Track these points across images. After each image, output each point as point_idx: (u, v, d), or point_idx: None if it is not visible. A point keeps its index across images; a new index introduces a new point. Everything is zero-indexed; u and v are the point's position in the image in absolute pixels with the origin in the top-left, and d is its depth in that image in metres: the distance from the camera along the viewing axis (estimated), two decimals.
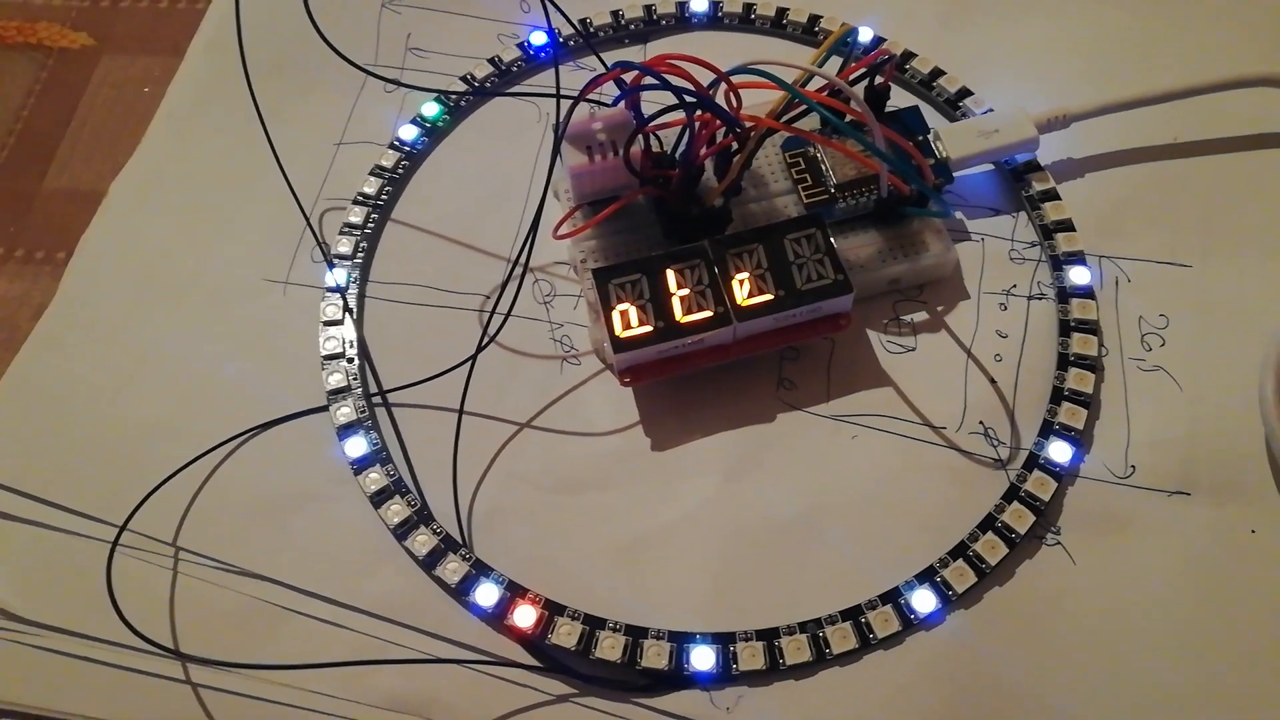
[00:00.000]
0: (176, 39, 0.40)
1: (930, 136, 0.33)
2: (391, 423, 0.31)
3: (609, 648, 0.26)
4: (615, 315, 0.28)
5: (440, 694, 0.27)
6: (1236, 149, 0.34)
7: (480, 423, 0.30)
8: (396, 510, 0.29)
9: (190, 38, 0.39)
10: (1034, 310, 0.31)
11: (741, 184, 0.31)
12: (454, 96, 0.36)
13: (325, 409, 0.30)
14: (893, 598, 0.27)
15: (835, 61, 0.31)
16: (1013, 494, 0.28)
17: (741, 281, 0.29)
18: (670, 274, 0.29)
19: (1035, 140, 0.33)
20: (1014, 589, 0.27)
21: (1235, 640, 0.26)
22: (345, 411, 0.30)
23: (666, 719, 0.26)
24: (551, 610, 0.27)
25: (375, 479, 0.29)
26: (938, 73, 0.35)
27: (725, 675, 0.26)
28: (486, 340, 0.30)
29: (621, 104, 0.29)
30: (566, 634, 0.27)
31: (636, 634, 0.27)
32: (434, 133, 0.36)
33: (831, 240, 0.29)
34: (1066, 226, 0.32)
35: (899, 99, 0.34)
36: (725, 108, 0.28)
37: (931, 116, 0.34)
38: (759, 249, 0.29)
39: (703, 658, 0.26)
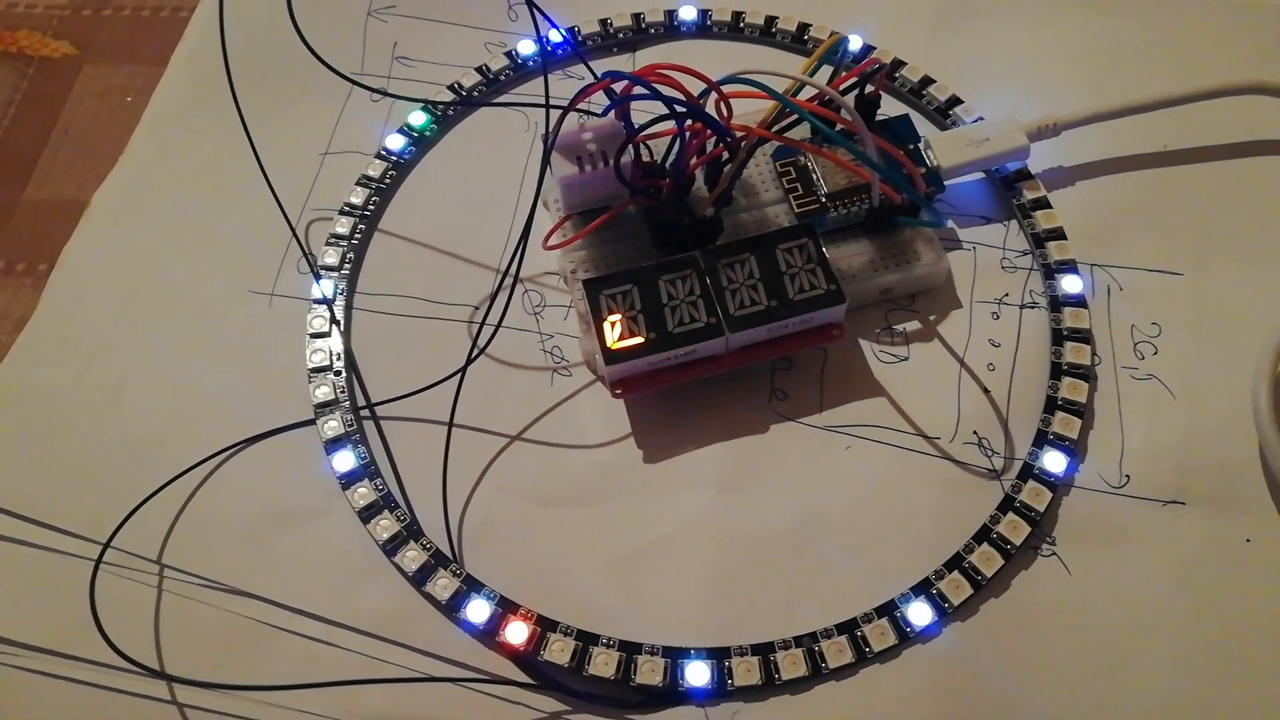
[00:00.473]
0: (159, 48, 0.39)
1: (921, 145, 0.32)
2: (380, 436, 0.30)
3: (602, 664, 0.26)
4: (606, 326, 0.28)
5: (431, 713, 0.26)
6: (1226, 157, 0.34)
7: (470, 435, 0.30)
8: (385, 525, 0.28)
9: (173, 46, 0.39)
10: (1026, 319, 0.31)
11: (732, 193, 0.31)
12: (441, 106, 0.36)
13: (312, 423, 0.30)
14: (888, 611, 0.27)
15: (825, 71, 0.30)
16: (1007, 505, 0.28)
17: (734, 292, 0.28)
18: (662, 285, 0.29)
19: (1026, 148, 0.33)
20: (1010, 600, 0.27)
21: (1231, 649, 0.26)
22: (333, 425, 0.30)
23: None
24: (544, 626, 0.27)
25: (364, 493, 0.29)
26: (927, 81, 0.35)
27: (720, 691, 0.26)
28: (476, 352, 0.30)
29: (611, 114, 0.29)
30: (559, 650, 0.26)
31: (630, 650, 0.26)
32: (421, 142, 0.36)
33: (824, 250, 0.29)
34: (1058, 235, 0.32)
35: (889, 107, 0.34)
36: (716, 117, 0.28)
37: (922, 125, 0.34)
38: (751, 259, 0.29)
39: (698, 674, 0.26)
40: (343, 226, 0.34)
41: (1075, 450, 0.29)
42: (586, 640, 0.26)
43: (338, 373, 0.31)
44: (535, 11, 0.31)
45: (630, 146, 0.28)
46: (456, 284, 0.33)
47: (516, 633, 0.26)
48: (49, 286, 0.33)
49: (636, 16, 0.37)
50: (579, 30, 0.37)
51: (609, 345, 0.28)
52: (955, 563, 0.27)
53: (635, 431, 0.30)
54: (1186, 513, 0.28)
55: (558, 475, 0.30)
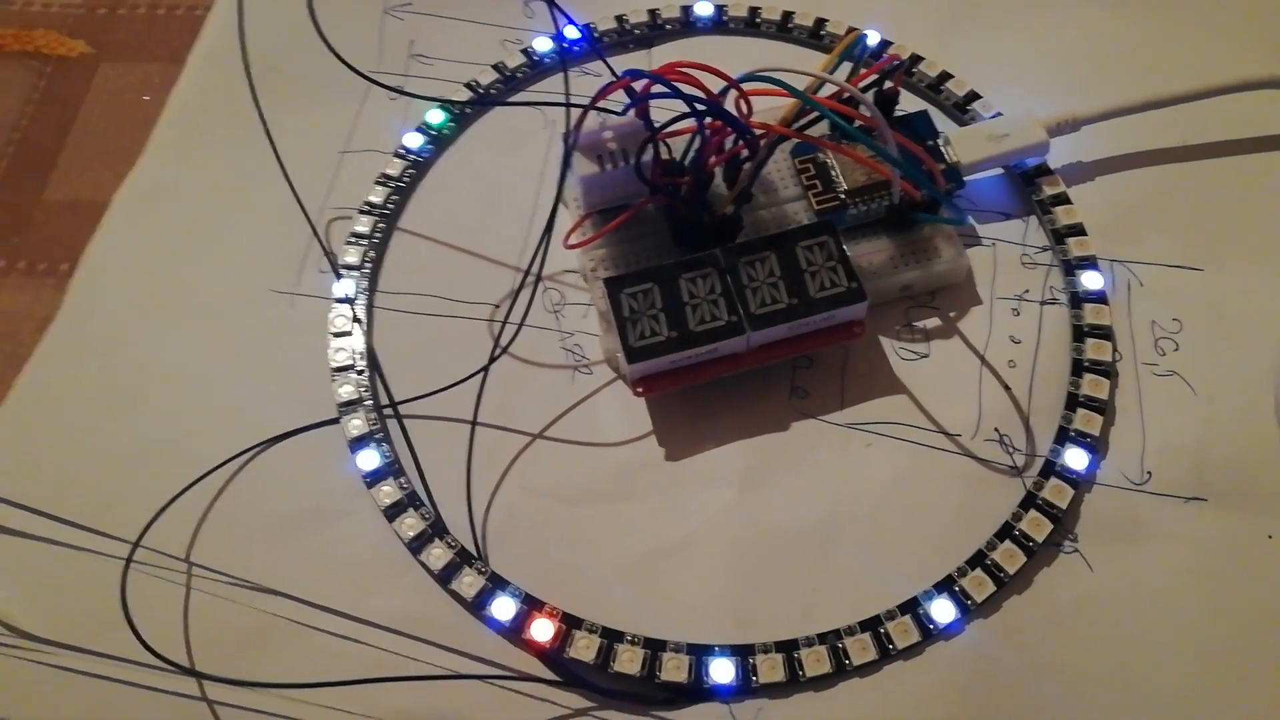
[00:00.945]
0: (175, 46, 0.39)
1: (940, 141, 0.32)
2: (404, 435, 0.30)
3: (628, 661, 0.26)
4: (627, 325, 0.28)
5: (459, 709, 0.26)
6: (1247, 151, 0.34)
7: (493, 434, 0.30)
8: (410, 524, 0.28)
9: (189, 44, 0.39)
10: (1047, 315, 0.31)
11: (752, 191, 0.31)
12: (460, 104, 0.36)
13: (336, 422, 0.30)
14: (911, 608, 0.27)
15: (844, 67, 0.30)
16: (1030, 502, 0.28)
17: (754, 290, 0.29)
18: (682, 283, 0.29)
19: (1045, 144, 0.33)
20: (1032, 597, 0.27)
21: (1254, 645, 0.26)
22: (356, 424, 0.30)
23: None
24: (569, 623, 0.27)
25: (388, 492, 0.29)
26: (945, 76, 0.35)
27: (745, 688, 0.26)
28: (499, 351, 0.30)
29: (632, 112, 0.29)
30: (585, 647, 0.27)
31: (655, 647, 0.26)
32: (439, 140, 0.36)
33: (844, 247, 0.29)
34: (1078, 231, 0.32)
35: (907, 103, 0.34)
36: (736, 115, 0.28)
37: (940, 121, 0.34)
38: (771, 257, 0.29)
39: (722, 670, 0.26)
40: (363, 225, 0.34)
41: (1097, 447, 0.29)
42: (611, 637, 0.27)
43: (360, 372, 0.31)
44: (553, 9, 0.31)
45: (650, 145, 0.28)
46: (477, 282, 0.33)
47: (542, 630, 0.27)
48: (72, 288, 0.33)
49: (653, 12, 0.37)
50: (595, 27, 0.37)
51: (631, 344, 0.28)
52: (978, 560, 0.28)
53: (656, 430, 0.30)
54: (1208, 509, 0.28)
55: (580, 473, 0.30)
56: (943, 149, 0.32)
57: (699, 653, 0.26)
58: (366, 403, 0.30)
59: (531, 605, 0.27)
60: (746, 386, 0.30)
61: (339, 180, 0.35)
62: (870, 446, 0.30)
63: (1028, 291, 0.32)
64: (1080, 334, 0.30)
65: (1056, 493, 0.28)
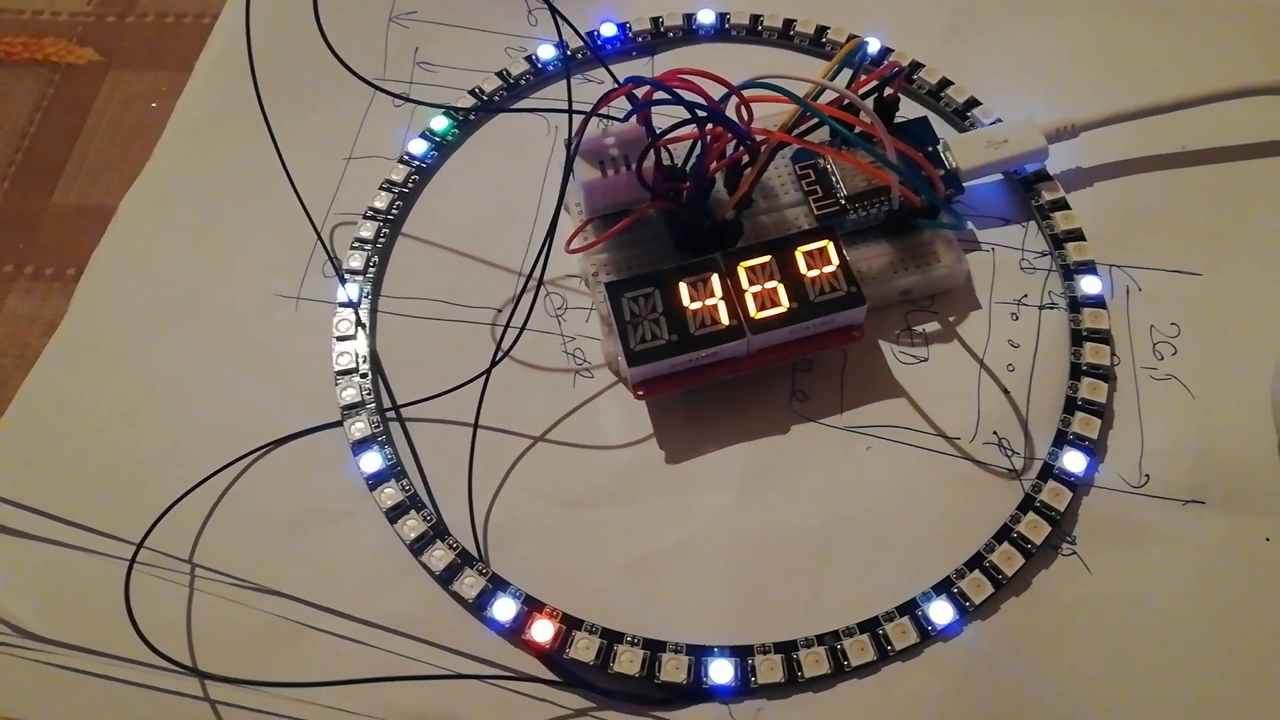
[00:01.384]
0: (183, 54, 0.40)
1: (940, 147, 0.33)
2: (406, 438, 0.31)
3: (627, 661, 0.26)
4: (628, 329, 0.28)
5: (459, 710, 0.27)
6: (1245, 157, 0.34)
7: (494, 436, 0.30)
8: (412, 525, 0.29)
9: (196, 53, 0.39)
10: (1046, 320, 0.32)
11: (753, 196, 0.31)
12: (464, 111, 0.36)
13: (339, 424, 0.30)
14: (910, 609, 0.27)
15: (844, 73, 0.31)
16: (1028, 504, 0.28)
17: (755, 294, 0.29)
18: (683, 287, 0.29)
19: (1044, 150, 0.33)
20: (1030, 599, 0.27)
21: (1251, 648, 0.27)
22: (359, 427, 0.30)
23: None
24: (569, 624, 0.27)
25: (390, 494, 0.29)
26: (945, 83, 0.36)
27: (744, 688, 0.26)
28: (501, 354, 0.30)
29: (633, 119, 0.30)
30: (584, 648, 0.27)
31: (655, 648, 0.27)
32: (443, 147, 0.36)
33: (844, 252, 0.29)
34: (1077, 236, 0.32)
35: (907, 109, 0.34)
36: (737, 121, 0.29)
37: (940, 127, 0.34)
38: (771, 261, 0.29)
39: (721, 671, 0.26)
40: (367, 230, 0.34)
41: (1095, 450, 0.29)
42: (611, 638, 0.27)
43: (364, 375, 0.31)
44: (557, 16, 0.32)
45: (652, 151, 0.29)
46: (479, 287, 0.33)
47: (542, 631, 0.27)
48: (79, 292, 0.34)
49: (655, 20, 0.38)
50: (598, 34, 0.38)
51: (632, 348, 0.28)
52: (976, 562, 0.28)
53: (657, 432, 0.30)
54: (1206, 512, 0.28)
55: (581, 476, 0.30)
56: (942, 155, 0.33)
57: (698, 653, 0.27)
58: (369, 406, 0.31)
59: (532, 606, 0.27)
60: (746, 390, 0.31)
61: (344, 186, 0.35)
62: (870, 449, 0.30)
63: (1026, 296, 0.32)
64: (1079, 338, 0.31)
65: (1055, 495, 0.28)
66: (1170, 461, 0.29)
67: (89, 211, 0.36)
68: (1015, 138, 0.33)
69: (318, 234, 0.34)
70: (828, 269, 0.29)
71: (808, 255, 0.29)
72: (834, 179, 0.32)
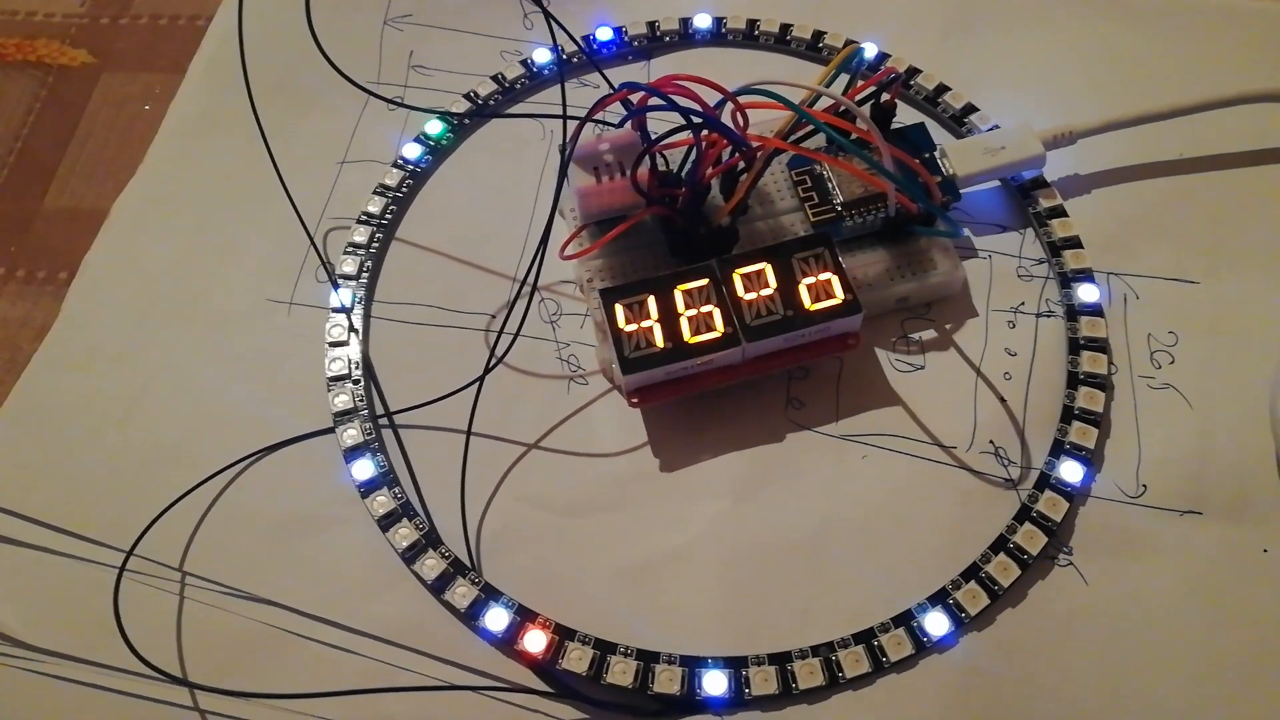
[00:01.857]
0: (177, 56, 0.40)
1: (937, 153, 0.32)
2: (399, 445, 0.30)
3: (620, 673, 0.26)
4: (623, 336, 0.28)
5: None
6: (1243, 165, 0.34)
7: (488, 444, 0.30)
8: (405, 534, 0.28)
9: (191, 55, 0.39)
10: (1042, 328, 0.31)
11: (748, 203, 0.31)
12: (457, 116, 0.36)
13: (331, 431, 0.30)
14: (905, 620, 0.27)
15: (841, 79, 0.30)
16: (1024, 514, 0.28)
17: (750, 301, 0.29)
18: (678, 294, 0.29)
19: (1042, 157, 0.33)
20: (1026, 610, 0.27)
21: (1249, 659, 0.26)
22: (352, 433, 0.30)
23: None
24: (562, 635, 0.27)
25: (383, 502, 0.29)
26: (943, 89, 0.35)
27: (738, 700, 0.26)
28: (494, 361, 0.30)
29: (628, 124, 0.29)
30: (577, 659, 0.26)
31: (648, 658, 0.26)
32: (438, 151, 0.36)
33: (840, 259, 0.29)
34: (1074, 243, 0.32)
35: (904, 115, 0.34)
36: (732, 128, 0.28)
37: (937, 133, 0.34)
38: (767, 268, 0.29)
39: (715, 682, 0.26)
40: (360, 235, 0.34)
41: (1092, 460, 0.29)
42: (604, 649, 0.27)
43: (356, 381, 0.31)
44: (551, 21, 0.32)
45: (647, 156, 0.29)
46: (473, 292, 0.33)
47: (535, 641, 0.27)
48: (69, 295, 0.34)
49: (652, 24, 0.38)
50: (593, 39, 0.37)
51: (626, 355, 0.28)
52: (972, 573, 0.28)
53: (651, 440, 0.30)
54: (1203, 523, 0.28)
55: (574, 484, 0.30)
56: (939, 161, 0.32)
57: (692, 664, 0.26)
58: (362, 412, 0.30)
59: (524, 616, 0.27)
60: (741, 398, 0.30)
61: (337, 190, 0.35)
62: (865, 458, 0.30)
63: (1023, 304, 0.32)
64: (1076, 346, 0.30)
65: (1051, 505, 0.28)
66: (1168, 471, 0.29)
67: (81, 214, 0.36)
68: (1012, 144, 0.33)
69: (310, 238, 0.33)
70: (823, 276, 0.29)
71: (803, 262, 0.29)
72: (830, 185, 0.32)
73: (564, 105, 0.30)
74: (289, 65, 0.36)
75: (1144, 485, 0.29)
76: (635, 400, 0.29)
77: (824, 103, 0.30)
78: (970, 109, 0.35)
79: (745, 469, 0.30)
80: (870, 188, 0.31)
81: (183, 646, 0.28)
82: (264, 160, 0.32)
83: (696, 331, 0.28)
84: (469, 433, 0.30)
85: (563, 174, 0.29)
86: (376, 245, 0.34)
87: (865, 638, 0.27)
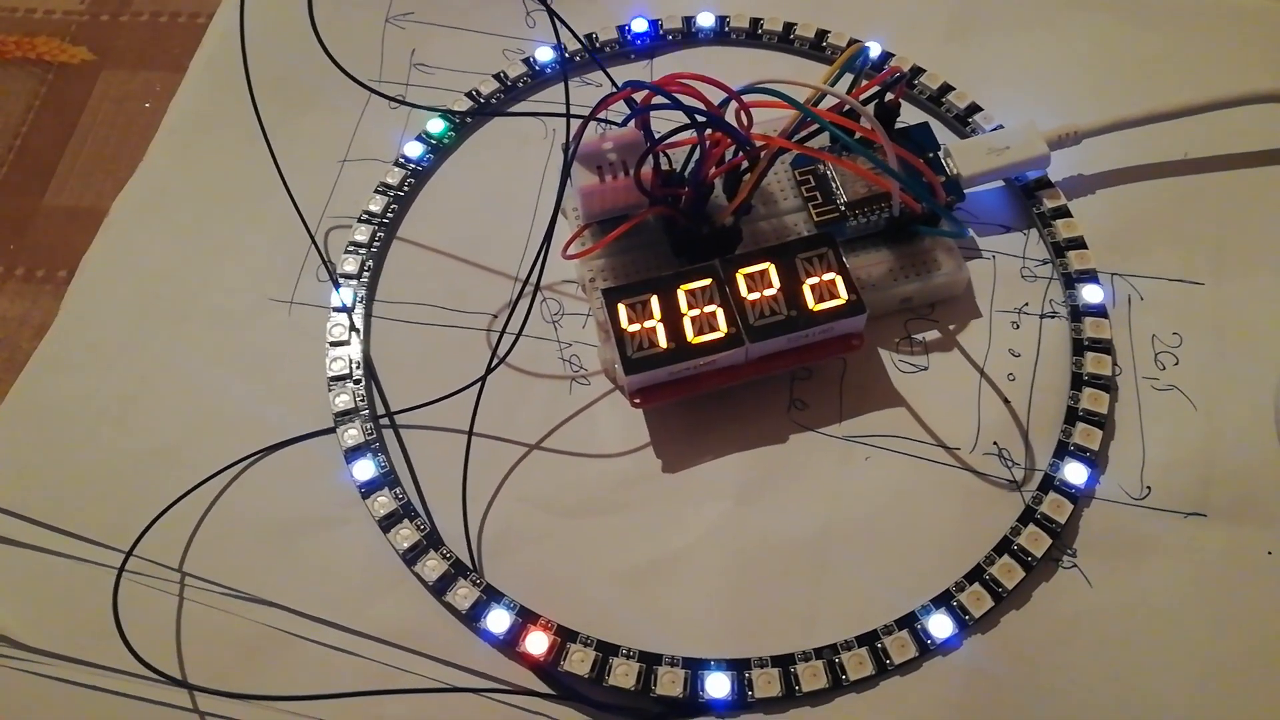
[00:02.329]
0: (177, 54, 0.40)
1: (941, 153, 0.32)
2: (400, 445, 0.30)
3: (622, 675, 0.26)
4: (625, 336, 0.28)
5: None
6: (1248, 165, 0.34)
7: (489, 444, 0.30)
8: (406, 534, 0.28)
9: (191, 52, 0.39)
10: (1047, 329, 0.31)
11: (752, 203, 0.31)
12: (459, 114, 0.36)
13: (332, 431, 0.30)
14: (909, 623, 0.27)
15: (845, 80, 0.30)
16: (1028, 516, 0.28)
17: (753, 302, 0.28)
18: (681, 294, 0.29)
19: (1046, 157, 0.32)
20: (1031, 613, 0.27)
21: (1253, 661, 0.26)
22: (353, 434, 0.30)
23: None
24: (564, 637, 0.27)
25: (384, 502, 0.29)
26: (947, 88, 0.35)
27: (741, 703, 0.26)
28: (496, 361, 0.30)
29: (632, 123, 0.29)
30: (579, 661, 0.26)
31: (650, 661, 0.26)
32: (439, 150, 0.36)
33: (844, 259, 0.29)
34: (1078, 244, 0.32)
35: (908, 115, 0.34)
36: (736, 126, 0.28)
37: (941, 133, 0.34)
38: (770, 268, 0.29)
39: (718, 685, 0.26)
40: (361, 234, 0.34)
41: (1096, 461, 0.29)
42: (606, 651, 0.26)
43: (357, 381, 0.31)
44: (555, 18, 0.31)
45: (650, 156, 0.28)
46: (475, 292, 0.33)
47: (537, 643, 0.27)
48: (69, 294, 0.33)
49: (654, 23, 0.37)
50: (596, 37, 0.37)
51: (629, 355, 0.28)
52: (976, 575, 0.27)
53: (654, 441, 0.30)
54: (1208, 525, 0.28)
55: (577, 485, 0.30)
56: (943, 161, 0.32)
57: (694, 667, 0.26)
58: (363, 412, 0.30)
59: (526, 618, 0.27)
60: (744, 398, 0.30)
61: (338, 189, 0.35)
62: (869, 459, 0.30)
63: (1027, 305, 0.32)
64: (1080, 348, 0.30)
65: (1055, 507, 0.28)
66: (1172, 473, 0.29)
67: (81, 213, 0.36)
68: (1017, 144, 0.32)
69: (311, 237, 0.33)
70: (827, 276, 0.29)
71: (807, 262, 0.29)
72: (834, 185, 0.31)
73: (567, 104, 0.30)
74: (290, 63, 0.36)
75: (1148, 487, 0.29)
76: (638, 401, 0.29)
77: (828, 102, 0.30)
78: (974, 109, 0.35)
79: (748, 470, 0.30)
80: (874, 187, 0.31)
81: (182, 648, 0.27)
82: (265, 158, 0.32)
83: (700, 332, 0.28)
84: (470, 433, 0.30)
85: (565, 173, 0.29)
86: (378, 244, 0.34)
87: (869, 640, 0.27)
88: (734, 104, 0.28)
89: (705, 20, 0.37)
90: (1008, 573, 0.27)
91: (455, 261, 0.33)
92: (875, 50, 0.36)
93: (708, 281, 0.29)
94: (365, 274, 0.33)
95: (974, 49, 0.37)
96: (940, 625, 0.27)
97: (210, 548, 0.29)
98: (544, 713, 0.26)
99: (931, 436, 0.30)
